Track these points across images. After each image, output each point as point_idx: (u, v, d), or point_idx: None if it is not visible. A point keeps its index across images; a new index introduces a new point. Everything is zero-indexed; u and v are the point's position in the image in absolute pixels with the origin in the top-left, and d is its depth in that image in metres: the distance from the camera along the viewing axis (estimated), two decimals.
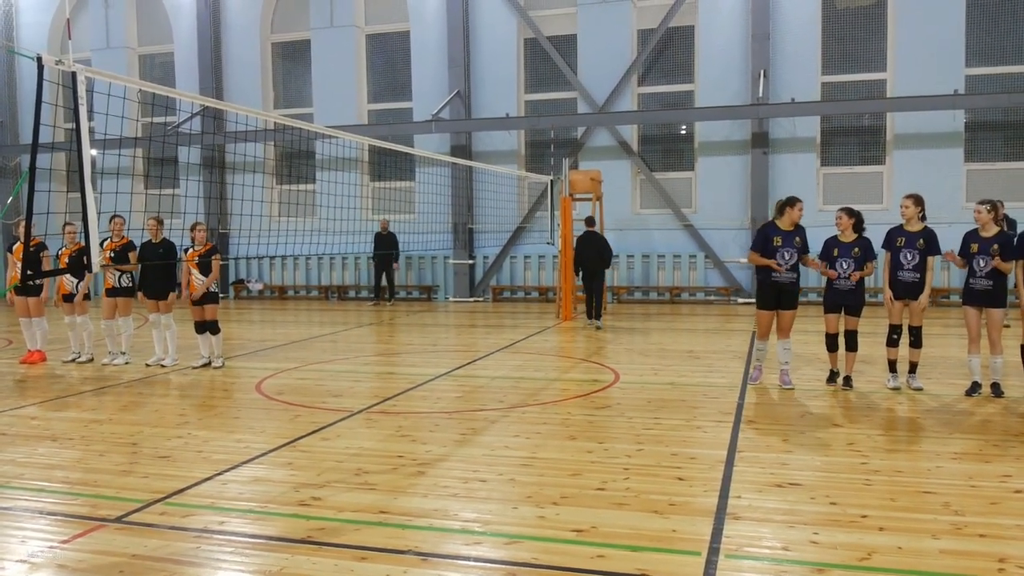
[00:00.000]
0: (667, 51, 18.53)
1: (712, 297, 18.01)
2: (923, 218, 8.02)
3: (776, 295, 8.23)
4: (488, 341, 12.27)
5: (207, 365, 10.07)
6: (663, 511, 4.68)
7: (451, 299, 19.55)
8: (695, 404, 7.61)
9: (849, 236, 8.12)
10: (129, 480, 5.44)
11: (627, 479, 5.29)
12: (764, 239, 8.20)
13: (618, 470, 5.49)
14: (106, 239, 10.18)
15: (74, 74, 5.39)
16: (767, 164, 17.31)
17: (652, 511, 4.68)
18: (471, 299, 19.38)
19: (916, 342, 8.07)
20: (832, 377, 8.39)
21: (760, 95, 16.87)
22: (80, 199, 5.44)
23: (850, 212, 8.18)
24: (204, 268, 9.99)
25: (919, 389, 8.01)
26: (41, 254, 10.15)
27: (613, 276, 18.34)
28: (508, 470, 5.53)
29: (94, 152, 5.49)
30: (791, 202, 8.20)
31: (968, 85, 16.38)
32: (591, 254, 13.55)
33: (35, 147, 5.25)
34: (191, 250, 10.07)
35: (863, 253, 8.03)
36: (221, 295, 20.95)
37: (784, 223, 8.18)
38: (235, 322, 15.85)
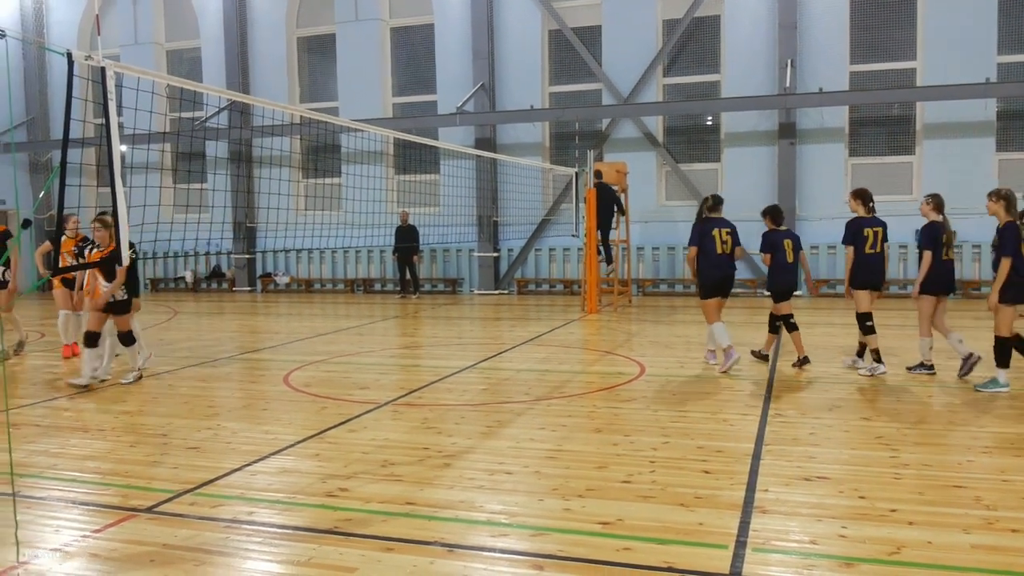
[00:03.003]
0: (693, 41, 18.38)
1: (738, 290, 17.86)
2: (871, 211, 8.60)
3: None
4: (513, 334, 12.28)
5: (86, 387, 8.40)
6: (689, 504, 4.66)
7: (476, 292, 19.58)
8: (721, 397, 7.57)
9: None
10: (159, 471, 5.51)
11: (653, 472, 5.27)
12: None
13: (644, 463, 5.47)
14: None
15: (103, 69, 5.45)
16: (794, 155, 17.13)
17: (678, 504, 4.67)
18: (496, 292, 19.41)
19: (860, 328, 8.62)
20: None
21: (787, 85, 16.69)
22: (110, 194, 5.50)
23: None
24: (112, 272, 8.37)
25: (865, 374, 8.41)
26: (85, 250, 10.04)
27: (638, 268, 18.29)
28: (534, 462, 5.54)
29: (123, 148, 5.54)
30: None
31: (1000, 73, 16.09)
32: (604, 205, 14.68)
33: (66, 142, 5.31)
34: (94, 250, 8.64)
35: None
36: (251, 289, 21.26)
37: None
38: (262, 315, 15.99)
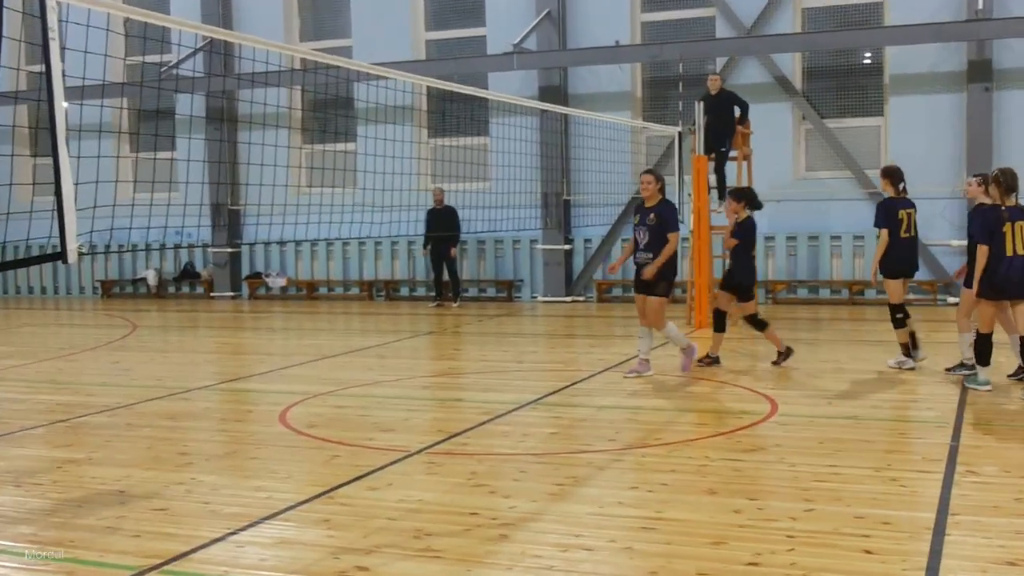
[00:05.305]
0: None
1: (911, 295, 17.54)
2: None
3: (636, 278, 10.38)
4: (592, 357, 12.28)
5: None
6: None
7: (539, 298, 19.63)
8: (888, 447, 7.49)
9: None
10: (115, 539, 5.62)
11: (791, 550, 5.22)
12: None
13: (779, 538, 5.42)
14: None
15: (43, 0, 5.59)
16: (990, 104, 16.80)
17: None
18: (567, 298, 19.42)
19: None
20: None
21: (980, 7, 16.37)
22: (52, 165, 5.63)
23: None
24: None
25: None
26: None
27: (767, 265, 18.09)
28: (623, 535, 5.53)
29: (66, 104, 5.68)
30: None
31: None
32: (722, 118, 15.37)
33: None
34: None
35: None
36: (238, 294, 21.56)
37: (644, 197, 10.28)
38: (250, 330, 16.27)
